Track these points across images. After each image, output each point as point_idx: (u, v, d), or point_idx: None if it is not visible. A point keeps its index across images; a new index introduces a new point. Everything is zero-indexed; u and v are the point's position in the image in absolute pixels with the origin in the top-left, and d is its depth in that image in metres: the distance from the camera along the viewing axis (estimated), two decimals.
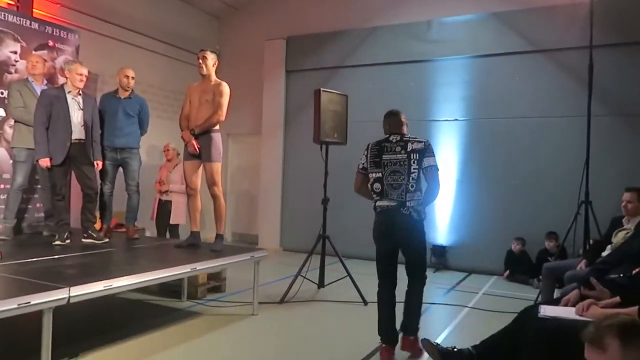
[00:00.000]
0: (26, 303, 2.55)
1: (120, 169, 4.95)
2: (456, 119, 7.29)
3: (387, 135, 3.62)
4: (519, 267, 6.36)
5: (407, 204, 3.36)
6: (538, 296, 4.82)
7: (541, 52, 6.79)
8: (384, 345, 3.41)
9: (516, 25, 6.87)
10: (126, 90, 4.86)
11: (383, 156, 3.49)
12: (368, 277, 5.86)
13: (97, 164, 4.52)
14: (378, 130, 7.90)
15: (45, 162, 4.22)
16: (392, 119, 3.68)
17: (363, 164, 3.60)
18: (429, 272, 6.67)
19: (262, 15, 8.92)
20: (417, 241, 3.46)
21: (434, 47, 7.41)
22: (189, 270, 3.70)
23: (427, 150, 3.48)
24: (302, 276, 5.01)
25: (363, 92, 7.59)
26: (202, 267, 3.88)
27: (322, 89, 5.11)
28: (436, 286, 5.95)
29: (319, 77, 8.04)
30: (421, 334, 3.49)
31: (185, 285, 4.77)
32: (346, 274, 5.08)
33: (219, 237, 4.47)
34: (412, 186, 3.39)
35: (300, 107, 8.40)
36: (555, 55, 6.69)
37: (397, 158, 3.45)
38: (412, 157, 3.42)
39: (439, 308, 4.97)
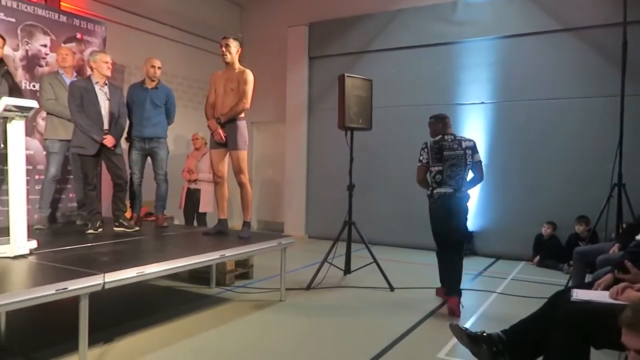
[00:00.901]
0: (64, 289, 2.64)
1: (149, 159, 5.04)
2: (482, 102, 7.16)
3: (442, 135, 4.41)
4: (549, 252, 6.25)
5: (462, 189, 4.30)
6: (569, 281, 4.74)
7: (570, 31, 6.57)
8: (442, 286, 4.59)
9: (543, 4, 6.66)
10: (153, 81, 4.92)
11: (444, 152, 4.33)
12: (394, 263, 5.89)
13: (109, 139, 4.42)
14: (403, 115, 7.85)
15: (110, 141, 4.34)
16: (443, 122, 4.47)
17: (426, 159, 4.41)
18: None
19: (284, 2, 8.88)
20: (464, 218, 4.40)
21: (459, 28, 7.26)
22: (217, 257, 3.76)
23: (475, 148, 4.38)
24: (329, 262, 5.03)
25: (387, 76, 7.51)
26: (231, 254, 3.93)
27: (346, 74, 5.07)
28: (463, 272, 5.88)
29: (343, 63, 7.99)
30: (450, 319, 3.48)
31: (213, 272, 4.85)
32: (372, 260, 5.08)
33: (246, 224, 4.52)
34: (466, 176, 4.33)
35: (323, 94, 8.37)
36: (585, 33, 6.47)
37: (455, 154, 4.32)
38: (467, 153, 4.30)
39: (467, 293, 4.92)
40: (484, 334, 2.81)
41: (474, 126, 7.17)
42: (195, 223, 6.34)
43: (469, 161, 4.29)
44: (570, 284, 4.44)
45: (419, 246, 7.34)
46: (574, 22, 6.50)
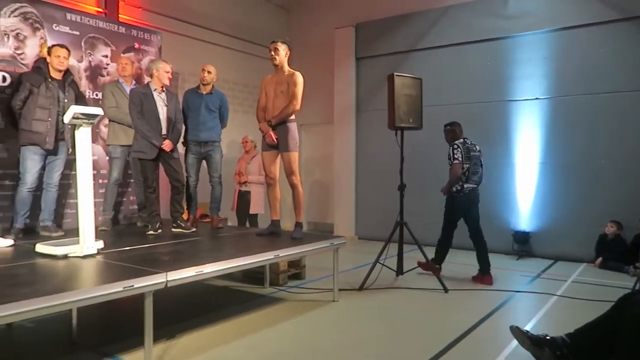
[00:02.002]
0: (130, 286, 2.77)
1: (204, 162, 5.19)
2: (537, 98, 6.92)
3: (463, 139, 5.33)
4: (612, 253, 5.95)
5: (480, 185, 5.34)
6: (636, 284, 4.51)
7: (630, 20, 6.25)
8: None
9: None
10: (207, 85, 5.07)
11: (470, 153, 5.27)
12: (447, 264, 5.78)
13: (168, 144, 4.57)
14: (452, 114, 7.73)
15: (168, 146, 4.51)
16: (459, 128, 5.43)
17: (460, 158, 5.19)
18: (512, 260, 6.50)
19: (330, 4, 8.93)
20: (478, 208, 5.36)
21: (510, 22, 7.05)
22: (272, 257, 3.83)
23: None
24: (381, 263, 5.01)
25: (436, 75, 7.41)
26: (285, 254, 3.99)
27: (395, 73, 5.04)
28: (520, 274, 5.73)
29: (390, 63, 7.95)
30: (508, 321, 3.39)
31: (267, 272, 4.94)
32: (425, 261, 5.01)
33: (298, 225, 4.57)
34: (483, 173, 5.36)
35: (371, 94, 8.36)
36: None
37: (476, 154, 5.34)
38: (481, 154, 5.40)
39: (525, 296, 4.78)
40: (547, 337, 2.72)
41: (528, 123, 6.95)
42: (247, 224, 6.47)
43: (482, 161, 5.38)
44: (638, 287, 4.22)
45: (471, 247, 7.13)
46: (635, 11, 6.17)
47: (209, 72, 5.06)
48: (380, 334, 3.65)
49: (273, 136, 4.40)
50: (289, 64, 4.56)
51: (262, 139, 4.54)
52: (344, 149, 8.59)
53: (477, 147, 5.34)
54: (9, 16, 4.60)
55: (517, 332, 2.84)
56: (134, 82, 5.28)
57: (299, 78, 4.40)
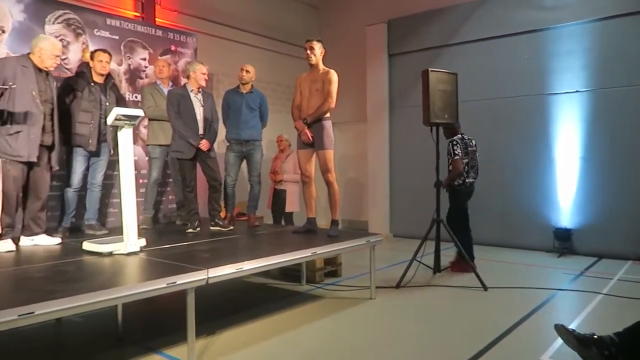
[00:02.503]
0: (173, 283, 2.84)
1: (243, 162, 5.26)
2: (577, 91, 6.69)
3: (461, 135, 5.47)
4: None
5: (476, 178, 5.57)
6: None
7: None
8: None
9: None
10: (246, 85, 5.14)
11: (468, 148, 5.46)
12: (485, 262, 5.69)
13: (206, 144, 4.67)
14: (488, 109, 7.59)
15: (205, 145, 4.60)
16: (458, 124, 5.43)
17: (460, 153, 5.34)
18: (553, 257, 6.33)
19: (362, 1, 8.89)
20: None
21: (549, 13, 6.85)
22: (309, 254, 3.85)
23: None
24: (418, 261, 4.96)
25: (471, 69, 7.26)
26: (322, 251, 4.00)
27: (429, 68, 4.98)
28: (562, 272, 5.57)
29: (424, 58, 7.86)
30: (551, 320, 3.31)
31: (304, 269, 4.97)
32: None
33: (334, 223, 4.58)
34: (478, 167, 5.61)
35: (404, 91, 8.28)
36: None
37: (473, 149, 5.54)
38: (477, 150, 5.58)
39: (568, 294, 4.65)
40: (594, 336, 2.63)
41: (568, 116, 6.74)
42: (282, 222, 6.53)
43: (477, 156, 5.58)
44: None
45: (510, 244, 7.04)
46: None
47: (247, 71, 5.13)
48: (418, 332, 3.62)
49: (308, 134, 4.43)
50: (323, 62, 4.57)
51: (298, 137, 4.57)
52: (378, 146, 8.54)
53: (474, 141, 5.57)
54: (54, 23, 4.78)
55: (562, 330, 2.76)
56: (170, 83, 5.40)
57: (334, 76, 4.41)
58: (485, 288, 4.70)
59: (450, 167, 5.38)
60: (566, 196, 6.75)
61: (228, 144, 5.19)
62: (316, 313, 4.06)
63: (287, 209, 6.48)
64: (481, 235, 7.21)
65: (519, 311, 4.01)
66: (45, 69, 3.88)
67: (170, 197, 5.77)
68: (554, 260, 6.24)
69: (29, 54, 3.84)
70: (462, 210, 5.48)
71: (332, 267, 5.31)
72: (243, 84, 5.15)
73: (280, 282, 5.13)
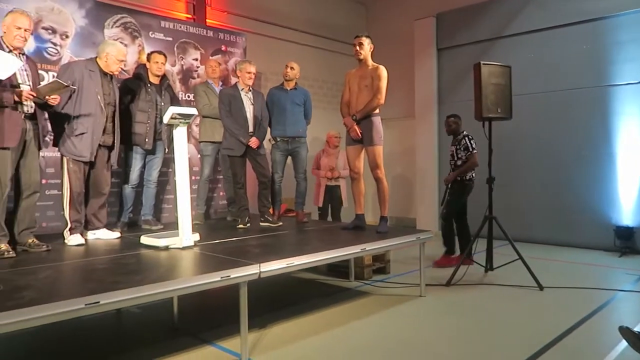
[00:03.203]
0: (227, 276, 2.91)
1: (289, 159, 5.31)
2: None
3: (463, 130, 5.63)
4: None
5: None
6: None
7: None
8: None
9: None
10: (290, 81, 5.17)
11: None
12: (540, 261, 5.50)
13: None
14: (543, 102, 7.33)
15: (255, 143, 4.69)
16: (461, 120, 5.67)
17: (476, 148, 5.47)
18: (614, 257, 6.03)
19: None
20: None
21: (609, 1, 6.52)
22: (359, 250, 3.85)
23: None
24: (469, 258, 4.85)
25: (524, 62, 7.04)
26: (371, 247, 3.99)
27: (482, 62, 4.85)
28: (624, 272, 5.30)
29: (473, 52, 7.67)
30: (614, 322, 3.15)
31: (352, 265, 4.97)
32: (517, 257, 4.78)
33: (383, 219, 4.55)
34: None
35: (454, 85, 8.11)
36: None
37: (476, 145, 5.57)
38: None
39: (631, 295, 4.42)
40: None
41: (630, 109, 6.39)
42: (329, 218, 6.55)
43: None
44: None
45: (566, 243, 6.76)
46: None
47: (292, 68, 5.16)
48: (470, 330, 3.54)
49: (357, 130, 4.42)
50: (371, 58, 4.54)
51: (346, 133, 4.57)
52: (427, 142, 8.41)
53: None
54: (112, 27, 5.00)
55: (627, 333, 2.64)
56: (221, 82, 5.52)
57: (384, 72, 4.38)
58: (541, 287, 4.54)
59: (462, 161, 5.50)
60: (628, 193, 6.41)
61: (274, 141, 5.24)
62: (365, 309, 4.05)
63: (345, 205, 6.54)
64: (534, 233, 7.01)
65: (578, 312, 3.85)
66: (111, 73, 4.07)
67: (221, 193, 5.91)
68: (614, 260, 5.95)
69: (95, 57, 4.03)
70: (463, 205, 5.59)
71: (380, 263, 5.29)
72: (287, 81, 5.19)
73: (328, 278, 5.15)
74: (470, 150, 5.43)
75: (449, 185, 5.59)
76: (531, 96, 7.03)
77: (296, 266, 3.37)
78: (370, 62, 4.50)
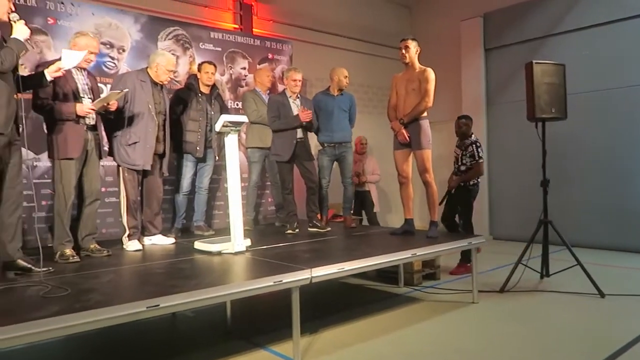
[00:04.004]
0: (279, 281, 2.94)
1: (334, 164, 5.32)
2: None
3: (472, 133, 5.61)
4: None
5: None
6: None
7: None
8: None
9: None
10: (340, 90, 5.17)
11: None
12: (600, 267, 5.24)
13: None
14: (598, 102, 7.04)
15: (307, 114, 4.65)
16: (471, 122, 5.67)
17: (483, 156, 5.45)
18: None
19: None
20: None
21: None
22: (409, 255, 3.80)
23: None
24: (523, 264, 4.69)
25: (577, 60, 6.75)
26: (422, 252, 3.93)
27: (534, 60, 4.70)
28: None
29: (523, 51, 7.45)
30: None
31: (401, 271, 4.91)
32: (575, 263, 4.58)
33: (433, 224, 4.48)
34: None
35: (503, 86, 7.90)
36: None
37: None
38: None
39: None
40: None
41: None
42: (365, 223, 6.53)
43: None
44: None
45: (627, 248, 6.42)
46: None
47: (345, 76, 5.15)
48: (527, 338, 3.42)
49: (405, 134, 4.38)
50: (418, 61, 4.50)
51: (394, 137, 4.53)
52: None
53: None
54: (165, 39, 5.19)
55: None
56: (268, 90, 5.60)
57: (431, 74, 4.33)
58: (602, 295, 4.33)
59: (467, 167, 5.44)
60: None
61: (321, 147, 5.26)
62: (417, 315, 3.99)
63: (376, 209, 6.60)
64: (592, 238, 6.69)
65: None
66: (161, 83, 4.22)
67: (269, 199, 5.99)
68: None
69: (146, 68, 4.20)
70: (471, 211, 5.55)
71: (430, 269, 5.20)
72: (338, 88, 5.17)
73: (376, 283, 5.11)
74: (477, 158, 5.38)
75: (452, 191, 5.52)
76: (587, 95, 6.75)
77: (347, 271, 3.37)
78: (417, 64, 4.46)
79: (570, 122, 5.27)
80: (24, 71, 3.50)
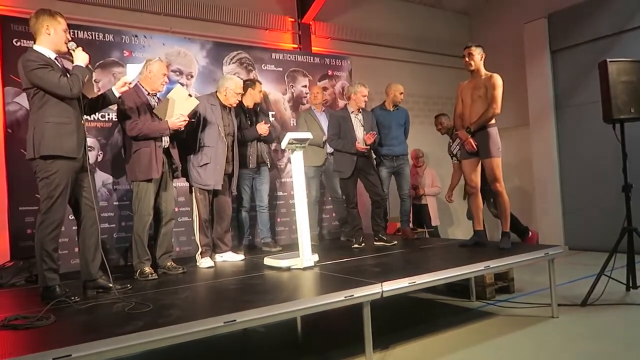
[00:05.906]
0: (350, 296, 2.93)
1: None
2: None
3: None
4: None
5: None
6: None
7: None
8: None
9: None
10: (395, 105, 5.21)
11: None
12: None
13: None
14: None
15: (371, 137, 4.73)
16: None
17: None
18: None
19: (515, 0, 8.37)
20: None
21: None
22: (482, 268, 3.67)
23: None
24: (607, 275, 4.40)
25: None
26: (495, 265, 3.78)
27: (608, 59, 4.46)
28: None
29: (592, 50, 7.08)
30: None
31: (473, 285, 4.75)
32: None
33: (505, 234, 4.32)
34: None
35: (572, 88, 7.53)
36: None
37: None
38: None
39: None
40: None
41: None
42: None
43: None
44: None
45: None
46: None
47: (401, 92, 5.21)
48: (615, 357, 3.18)
49: (472, 143, 4.28)
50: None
51: (462, 147, 4.44)
52: (545, 150, 7.86)
53: None
54: (229, 63, 5.41)
55: None
56: (323, 108, 5.64)
57: (498, 80, 4.22)
58: None
59: None
60: None
61: (379, 160, 5.26)
62: (492, 331, 3.83)
63: (433, 223, 6.47)
64: None
65: None
66: (229, 106, 4.38)
67: (332, 214, 6.01)
68: None
69: (215, 92, 4.38)
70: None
71: (503, 282, 4.98)
72: (394, 104, 5.22)
73: (447, 297, 4.97)
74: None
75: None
76: None
77: (418, 285, 3.30)
78: (483, 71, 4.36)
79: None
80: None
